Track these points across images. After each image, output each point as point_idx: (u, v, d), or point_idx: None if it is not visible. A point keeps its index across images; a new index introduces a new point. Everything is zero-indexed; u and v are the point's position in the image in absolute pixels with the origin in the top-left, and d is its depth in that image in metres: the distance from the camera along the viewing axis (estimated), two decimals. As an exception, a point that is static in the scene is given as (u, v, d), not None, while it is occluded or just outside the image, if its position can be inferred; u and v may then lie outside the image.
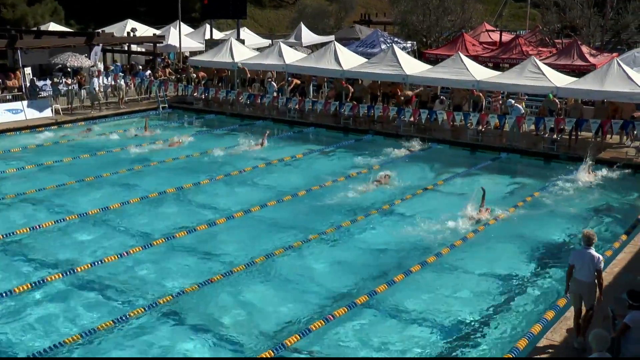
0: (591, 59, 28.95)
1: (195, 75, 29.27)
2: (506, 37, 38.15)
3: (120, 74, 28.62)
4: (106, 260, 12.11)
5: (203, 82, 29.13)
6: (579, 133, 21.69)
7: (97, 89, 26.71)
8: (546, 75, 22.23)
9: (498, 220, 14.73)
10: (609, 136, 21.89)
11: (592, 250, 8.86)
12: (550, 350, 8.85)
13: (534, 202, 16.25)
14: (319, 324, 9.76)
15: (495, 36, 39.54)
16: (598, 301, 8.90)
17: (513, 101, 22.34)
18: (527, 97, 24.52)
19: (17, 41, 26.90)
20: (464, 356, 9.34)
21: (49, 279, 11.26)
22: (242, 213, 15.03)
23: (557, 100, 22.01)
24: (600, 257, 8.92)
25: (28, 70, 27.14)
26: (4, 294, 10.65)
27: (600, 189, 17.19)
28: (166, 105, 28.26)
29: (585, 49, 29.98)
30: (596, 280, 8.79)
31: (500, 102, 24.49)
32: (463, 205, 14.85)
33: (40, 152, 20.65)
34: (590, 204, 16.23)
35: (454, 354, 9.39)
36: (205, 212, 15.26)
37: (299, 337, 9.40)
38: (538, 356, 8.70)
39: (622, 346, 7.85)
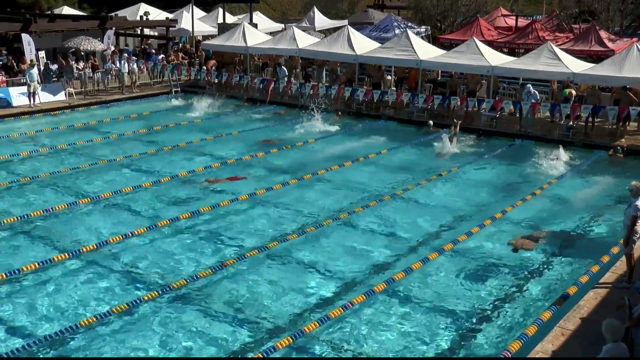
0: (610, 44, 28.51)
1: (205, 67, 29.13)
2: (522, 22, 37.70)
3: (133, 57, 28.60)
4: (111, 241, 12.19)
5: (213, 68, 29.05)
6: (595, 120, 21.44)
7: (125, 71, 26.96)
8: (563, 61, 21.91)
9: (514, 207, 14.64)
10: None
11: None
12: (562, 339, 8.77)
13: (548, 189, 16.11)
14: (338, 312, 9.68)
15: (511, 21, 39.05)
16: None
17: (531, 87, 22.03)
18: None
19: (31, 25, 26.97)
20: (471, 342, 9.29)
21: (56, 259, 11.33)
22: (247, 196, 15.05)
23: (573, 92, 21.70)
24: None
25: (42, 53, 27.19)
26: (20, 274, 10.75)
27: (614, 177, 17.00)
28: (179, 89, 28.24)
29: (603, 34, 29.52)
30: None
31: None
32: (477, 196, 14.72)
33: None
34: (605, 192, 16.05)
35: (461, 341, 9.34)
36: (215, 194, 15.30)
37: (317, 324, 9.34)
38: (550, 344, 8.62)
39: (636, 336, 7.75)
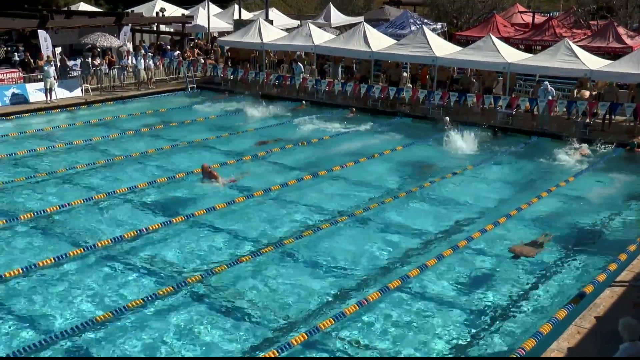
0: (628, 41, 28.19)
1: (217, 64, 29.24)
2: (539, 18, 37.40)
3: (149, 54, 28.74)
4: (126, 236, 12.25)
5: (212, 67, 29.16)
6: (612, 117, 21.21)
7: (142, 67, 27.10)
8: (580, 58, 21.68)
9: (530, 204, 14.48)
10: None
11: None
12: (578, 337, 8.70)
13: (565, 186, 15.97)
14: (353, 308, 9.66)
15: (528, 18, 38.77)
16: None
17: (548, 84, 21.82)
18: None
19: (48, 21, 27.19)
20: (484, 340, 9.23)
21: (72, 254, 11.41)
22: (262, 192, 15.08)
23: (586, 95, 21.46)
24: None
25: (59, 50, 27.41)
26: (34, 269, 10.84)
27: (632, 175, 16.81)
28: (194, 85, 28.36)
29: (621, 31, 29.20)
30: None
31: None
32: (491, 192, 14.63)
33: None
34: (622, 189, 15.90)
35: (474, 340, 9.28)
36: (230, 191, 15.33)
37: (333, 321, 9.32)
38: (566, 342, 8.55)
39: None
